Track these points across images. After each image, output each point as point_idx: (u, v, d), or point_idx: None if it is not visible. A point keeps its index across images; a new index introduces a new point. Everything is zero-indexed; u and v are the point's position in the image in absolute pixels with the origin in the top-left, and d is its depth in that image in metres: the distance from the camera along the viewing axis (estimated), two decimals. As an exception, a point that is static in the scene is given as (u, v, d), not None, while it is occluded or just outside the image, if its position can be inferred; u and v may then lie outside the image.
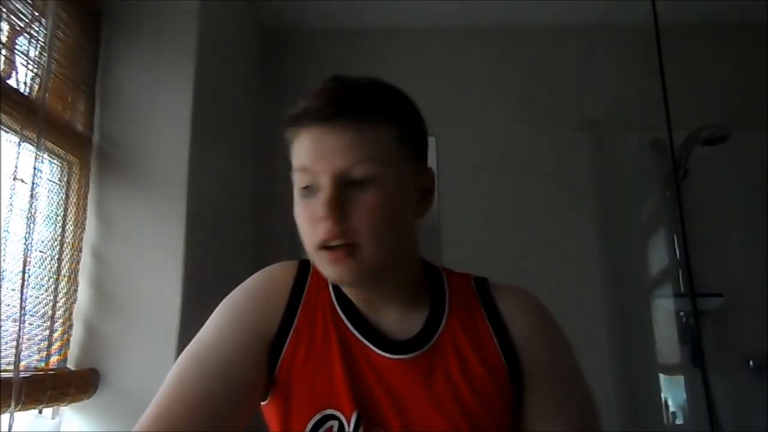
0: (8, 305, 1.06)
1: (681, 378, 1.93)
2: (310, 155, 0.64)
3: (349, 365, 0.69)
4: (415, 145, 0.69)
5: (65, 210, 1.30)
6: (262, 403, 0.73)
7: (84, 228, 1.34)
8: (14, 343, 1.05)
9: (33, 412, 1.16)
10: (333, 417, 0.68)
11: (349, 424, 0.66)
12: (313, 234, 0.64)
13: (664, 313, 1.97)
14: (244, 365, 0.68)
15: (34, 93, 1.19)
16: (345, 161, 0.62)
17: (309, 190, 0.65)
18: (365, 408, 0.67)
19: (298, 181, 0.66)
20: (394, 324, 0.72)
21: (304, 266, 0.75)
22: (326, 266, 0.65)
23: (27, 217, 1.11)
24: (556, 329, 0.74)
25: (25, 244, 1.10)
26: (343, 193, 0.63)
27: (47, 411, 1.22)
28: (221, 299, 0.75)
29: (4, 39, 1.13)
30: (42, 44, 1.21)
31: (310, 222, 0.64)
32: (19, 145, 1.11)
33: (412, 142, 0.68)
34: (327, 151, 0.63)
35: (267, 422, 0.74)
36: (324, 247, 0.63)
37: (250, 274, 0.77)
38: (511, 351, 0.71)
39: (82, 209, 1.34)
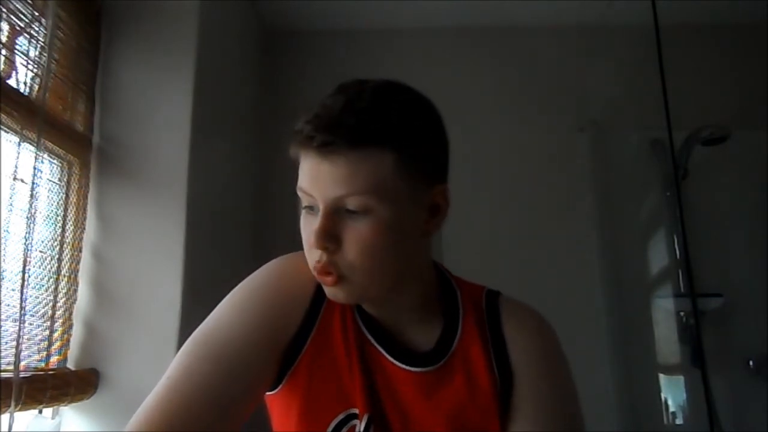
0: (8, 305, 1.06)
1: (681, 378, 1.93)
2: (307, 179, 0.64)
3: (365, 370, 0.70)
4: (421, 164, 0.65)
5: (65, 210, 1.29)
6: (269, 393, 0.72)
7: (84, 228, 1.34)
8: (14, 343, 1.05)
9: (33, 412, 1.16)
10: (356, 416, 0.69)
11: (360, 424, 0.68)
12: (309, 254, 0.66)
13: (664, 313, 1.97)
14: (261, 363, 0.67)
15: (34, 93, 1.19)
16: (338, 191, 0.61)
17: (310, 208, 0.65)
18: (375, 411, 0.69)
19: (301, 198, 0.66)
20: (408, 334, 0.73)
21: None
22: (322, 285, 0.68)
23: (27, 217, 1.11)
24: (555, 354, 0.75)
25: (25, 244, 1.10)
26: (338, 221, 0.62)
27: (47, 411, 1.22)
28: (221, 299, 0.72)
29: (4, 39, 1.13)
30: (42, 44, 1.21)
31: (308, 240, 0.65)
32: (19, 145, 1.11)
33: (415, 164, 0.64)
34: (321, 179, 0.62)
35: (270, 411, 0.74)
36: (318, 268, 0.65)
37: (250, 274, 0.74)
38: (507, 370, 0.72)
39: (82, 209, 1.34)
